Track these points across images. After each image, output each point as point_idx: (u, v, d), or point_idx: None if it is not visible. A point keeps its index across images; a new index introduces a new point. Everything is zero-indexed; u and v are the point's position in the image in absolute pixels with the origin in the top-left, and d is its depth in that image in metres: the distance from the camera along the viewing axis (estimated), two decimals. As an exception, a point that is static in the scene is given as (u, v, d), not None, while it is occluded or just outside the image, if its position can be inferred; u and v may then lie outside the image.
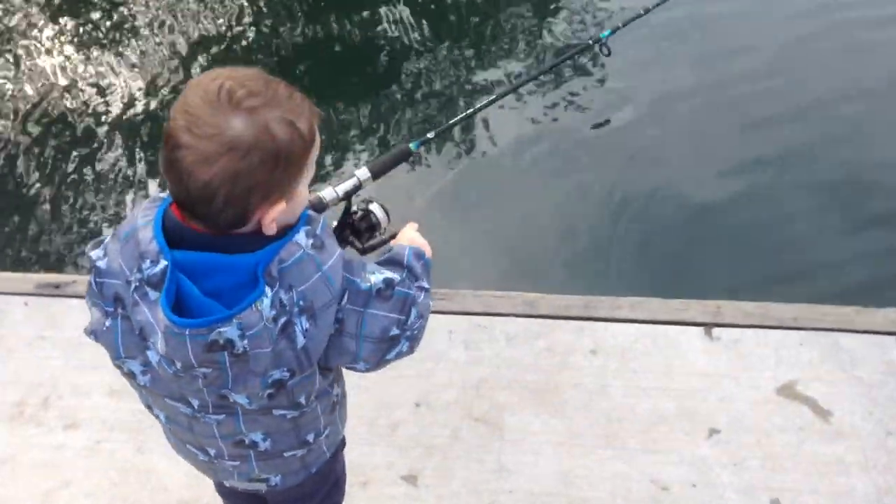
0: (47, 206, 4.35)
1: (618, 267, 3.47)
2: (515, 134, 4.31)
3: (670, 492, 2.35)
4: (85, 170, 4.56)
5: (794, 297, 2.85)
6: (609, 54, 2.39)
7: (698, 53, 4.64)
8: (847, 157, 3.81)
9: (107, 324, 1.32)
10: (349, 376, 1.55)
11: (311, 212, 1.32)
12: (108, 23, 5.65)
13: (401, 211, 3.87)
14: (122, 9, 5.77)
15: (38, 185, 4.49)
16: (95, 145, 4.71)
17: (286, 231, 1.24)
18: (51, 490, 2.43)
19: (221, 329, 1.16)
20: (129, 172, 4.56)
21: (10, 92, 5.09)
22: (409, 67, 5.04)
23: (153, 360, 1.27)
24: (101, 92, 5.03)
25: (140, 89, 5.03)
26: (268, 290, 1.19)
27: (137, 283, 1.21)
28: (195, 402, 1.37)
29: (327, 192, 1.70)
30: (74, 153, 4.67)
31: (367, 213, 1.74)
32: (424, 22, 5.36)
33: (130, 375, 1.38)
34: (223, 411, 1.38)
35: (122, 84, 5.07)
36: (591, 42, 2.40)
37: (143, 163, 4.60)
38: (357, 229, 1.75)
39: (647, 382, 2.62)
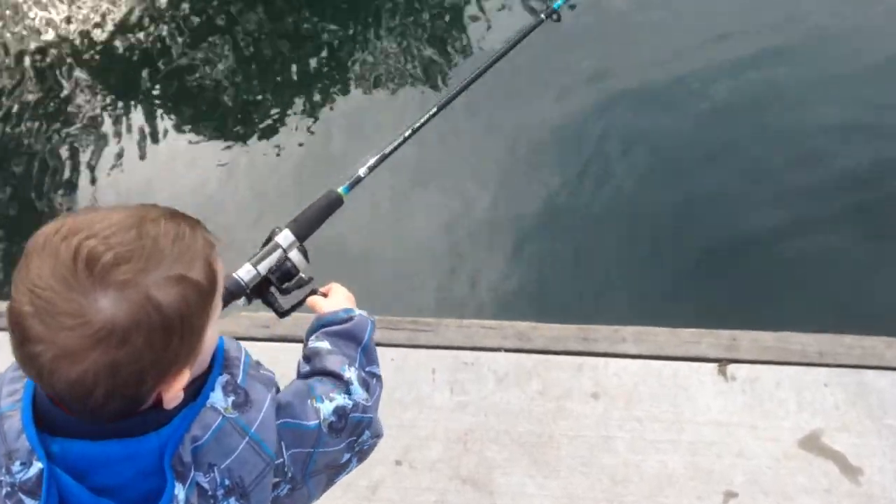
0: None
1: (619, 291, 3.12)
2: (485, 141, 3.81)
3: (681, 570, 2.10)
4: (23, 178, 4.15)
5: (816, 325, 2.55)
6: (559, 20, 2.01)
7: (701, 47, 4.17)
8: (874, 171, 3.42)
9: None
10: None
11: (227, 346, 1.04)
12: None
13: (367, 236, 3.47)
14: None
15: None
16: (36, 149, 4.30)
17: (196, 388, 0.97)
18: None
19: None
20: (72, 179, 4.17)
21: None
22: (328, 85, 4.45)
23: None
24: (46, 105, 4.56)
25: (87, 99, 4.56)
26: (178, 487, 0.92)
27: (9, 489, 0.93)
28: None
29: (245, 272, 1.35)
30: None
31: (285, 262, 1.39)
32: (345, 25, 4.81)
33: None
34: None
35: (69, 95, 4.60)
36: (543, 17, 1.98)
37: (87, 165, 4.20)
38: (272, 282, 1.40)
39: (654, 434, 2.35)
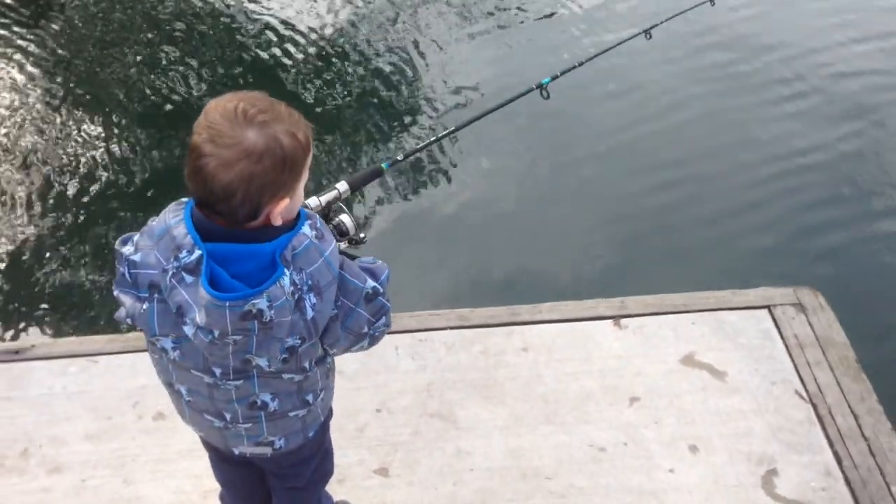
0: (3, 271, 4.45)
1: (534, 279, 3.99)
2: (462, 169, 5.05)
3: (606, 452, 2.74)
4: (42, 235, 4.68)
5: (684, 287, 3.37)
6: (548, 97, 2.70)
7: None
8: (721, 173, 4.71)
9: (143, 307, 1.58)
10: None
11: (308, 210, 1.63)
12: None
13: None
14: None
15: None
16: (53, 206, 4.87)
17: (291, 225, 1.52)
18: (44, 528, 2.57)
19: (255, 301, 1.44)
20: (84, 237, 4.69)
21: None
22: (381, 97, 5.79)
23: (189, 333, 1.50)
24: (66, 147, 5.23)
25: (104, 146, 5.26)
26: (284, 271, 1.46)
27: (175, 270, 1.45)
28: (217, 371, 1.63)
29: (311, 201, 1.96)
30: (32, 214, 4.81)
31: (340, 223, 2.00)
32: (393, 57, 6.18)
33: (162, 351, 1.64)
34: (241, 377, 1.64)
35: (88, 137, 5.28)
36: (533, 87, 2.66)
37: (99, 225, 4.75)
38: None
39: (572, 368, 3.03)
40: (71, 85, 5.88)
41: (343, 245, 2.00)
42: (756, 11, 6.27)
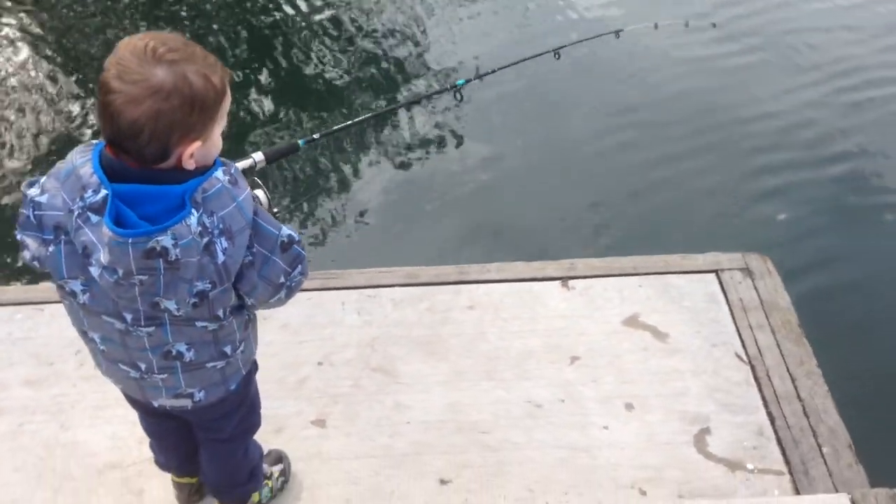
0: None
1: (485, 240, 4.02)
2: (394, 141, 5.06)
3: (543, 408, 2.76)
4: None
5: (633, 251, 3.39)
6: (461, 99, 2.81)
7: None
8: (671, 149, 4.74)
9: (50, 249, 1.56)
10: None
11: (223, 159, 1.60)
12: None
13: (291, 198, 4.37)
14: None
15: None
16: None
17: (205, 171, 1.51)
18: (-22, 469, 2.57)
19: (159, 238, 1.42)
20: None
21: None
22: (307, 75, 5.83)
23: (95, 275, 1.49)
24: None
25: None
26: (194, 211, 1.45)
27: (80, 210, 1.44)
28: (128, 317, 1.61)
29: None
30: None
31: (254, 196, 1.91)
32: (327, 43, 6.23)
33: (72, 295, 1.61)
34: (153, 323, 1.63)
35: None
36: (448, 87, 2.79)
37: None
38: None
39: (517, 327, 3.05)
40: (49, 52, 5.81)
41: None
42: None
